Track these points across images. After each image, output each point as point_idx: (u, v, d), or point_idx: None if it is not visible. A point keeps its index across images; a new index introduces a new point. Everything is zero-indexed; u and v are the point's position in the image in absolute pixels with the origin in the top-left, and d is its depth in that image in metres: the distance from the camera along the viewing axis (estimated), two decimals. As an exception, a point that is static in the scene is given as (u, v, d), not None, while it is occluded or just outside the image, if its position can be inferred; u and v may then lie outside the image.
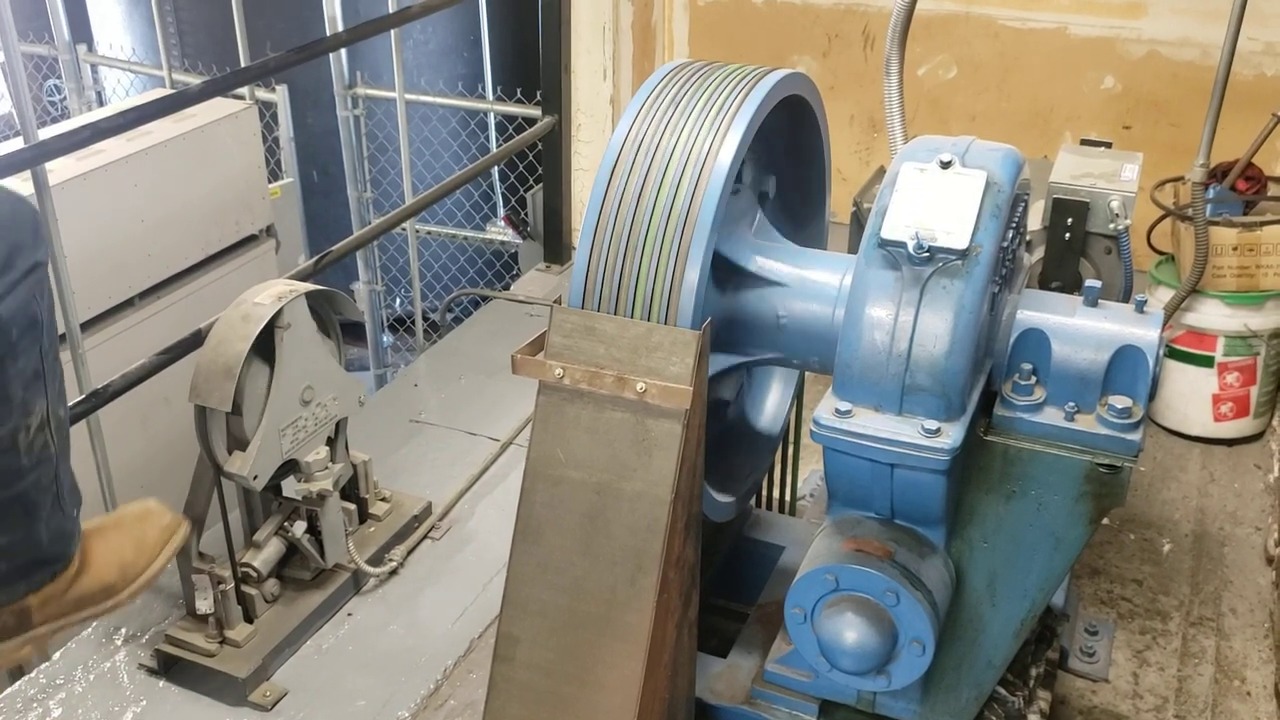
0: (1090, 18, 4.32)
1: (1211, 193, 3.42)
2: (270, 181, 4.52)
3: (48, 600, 1.92)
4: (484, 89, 6.04)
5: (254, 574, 2.68)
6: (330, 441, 2.76)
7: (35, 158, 2.70)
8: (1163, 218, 3.59)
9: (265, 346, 2.53)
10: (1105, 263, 2.77)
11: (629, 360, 1.89)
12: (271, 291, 2.59)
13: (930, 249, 1.80)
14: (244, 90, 4.29)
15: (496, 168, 5.98)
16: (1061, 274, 2.78)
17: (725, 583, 2.54)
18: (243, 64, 3.79)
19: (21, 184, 2.69)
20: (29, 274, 1.74)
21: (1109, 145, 2.99)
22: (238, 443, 2.53)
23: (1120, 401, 1.84)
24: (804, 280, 2.06)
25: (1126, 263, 2.76)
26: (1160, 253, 3.67)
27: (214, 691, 2.61)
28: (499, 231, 6.12)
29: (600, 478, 1.92)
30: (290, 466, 2.66)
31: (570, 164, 4.82)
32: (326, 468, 2.68)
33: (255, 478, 2.52)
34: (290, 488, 2.72)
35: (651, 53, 4.94)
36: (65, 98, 5.39)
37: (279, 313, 2.50)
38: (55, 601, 1.93)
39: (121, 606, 2.05)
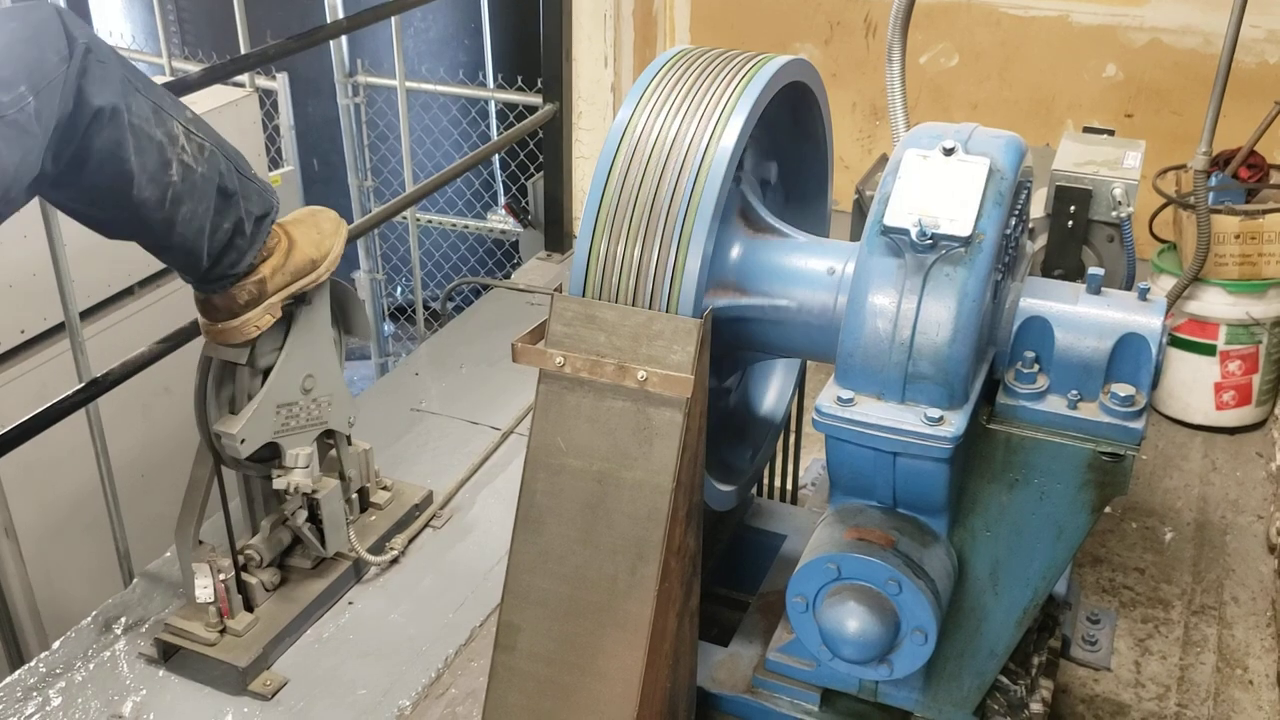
0: (1092, 5, 4.30)
1: (1214, 181, 3.41)
2: (270, 169, 4.51)
3: (275, 270, 2.41)
4: (485, 77, 6.03)
5: (255, 562, 2.68)
6: (320, 442, 2.73)
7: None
8: (1165, 206, 3.58)
9: (282, 319, 2.53)
10: (1108, 250, 2.77)
11: (630, 349, 1.88)
12: None
13: (933, 236, 1.79)
14: (244, 78, 4.27)
15: (497, 156, 5.98)
16: (1064, 261, 2.78)
17: (726, 571, 2.54)
18: (242, 51, 3.77)
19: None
20: (82, 61, 1.94)
21: (1111, 133, 2.98)
22: (233, 407, 2.52)
23: (1123, 389, 1.83)
24: (806, 269, 2.05)
25: (1129, 250, 2.75)
26: (1162, 241, 3.67)
27: (214, 680, 2.61)
28: (500, 220, 6.12)
29: (601, 466, 1.91)
30: (273, 450, 2.64)
31: (571, 152, 4.81)
32: (307, 466, 2.66)
33: (243, 441, 2.50)
34: (282, 479, 2.71)
35: (653, 40, 4.92)
36: (64, 86, 5.37)
37: None
38: (281, 272, 2.42)
39: (321, 280, 2.54)
